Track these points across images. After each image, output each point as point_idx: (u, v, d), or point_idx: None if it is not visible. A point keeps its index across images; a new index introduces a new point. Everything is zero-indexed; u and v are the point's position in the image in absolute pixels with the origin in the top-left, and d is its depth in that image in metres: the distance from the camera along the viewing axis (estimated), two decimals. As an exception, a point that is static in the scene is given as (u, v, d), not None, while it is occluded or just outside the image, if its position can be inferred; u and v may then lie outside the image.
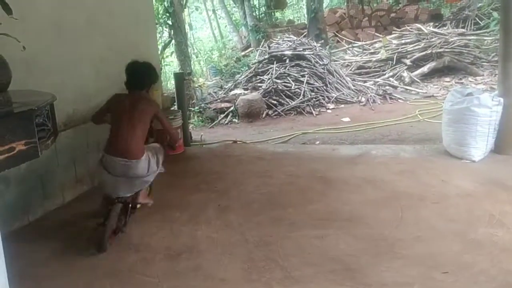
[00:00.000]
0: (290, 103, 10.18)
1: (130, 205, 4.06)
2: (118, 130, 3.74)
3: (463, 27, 14.58)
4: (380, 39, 13.93)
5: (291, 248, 3.68)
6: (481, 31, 14.12)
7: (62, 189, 4.99)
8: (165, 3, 11.41)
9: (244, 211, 4.45)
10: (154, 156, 3.98)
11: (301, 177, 5.33)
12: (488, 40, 13.19)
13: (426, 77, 12.23)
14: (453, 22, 15.11)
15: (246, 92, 10.83)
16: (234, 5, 20.45)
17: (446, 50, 12.52)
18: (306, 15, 16.92)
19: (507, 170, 5.00)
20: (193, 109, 9.87)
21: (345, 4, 16.05)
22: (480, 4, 15.05)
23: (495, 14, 13.70)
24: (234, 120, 9.92)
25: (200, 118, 9.99)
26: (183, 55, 12.08)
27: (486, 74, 11.87)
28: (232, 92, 11.06)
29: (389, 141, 7.16)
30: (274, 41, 12.63)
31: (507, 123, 5.38)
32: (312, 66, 11.07)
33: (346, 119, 9.07)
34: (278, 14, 22.38)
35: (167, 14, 11.55)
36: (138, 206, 4.34)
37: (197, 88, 10.63)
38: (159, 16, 11.39)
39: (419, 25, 13.56)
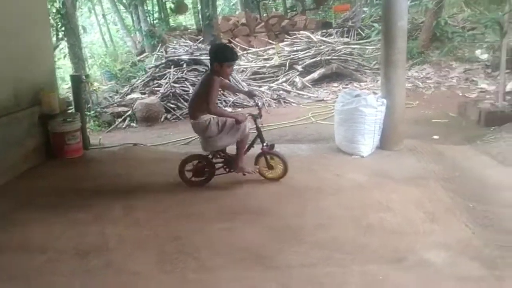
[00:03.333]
0: (188, 107, 10.23)
1: None
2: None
3: (347, 37, 15.67)
4: (273, 46, 14.49)
5: (201, 241, 3.79)
6: (363, 41, 15.30)
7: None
8: (56, 4, 10.91)
9: (151, 209, 4.47)
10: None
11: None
12: (369, 49, 14.30)
13: (316, 82, 12.92)
14: (338, 32, 16.19)
15: (143, 96, 10.72)
16: (125, 10, 20.08)
17: (334, 57, 13.32)
18: (201, 22, 17.09)
19: (391, 164, 5.53)
20: (89, 113, 9.56)
21: (240, 11, 16.51)
22: (363, 15, 16.26)
23: (376, 25, 14.92)
24: (132, 124, 9.78)
25: (97, 123, 9.72)
26: (77, 58, 11.63)
27: (369, 80, 12.85)
28: (129, 97, 10.88)
29: (286, 141, 7.50)
30: (171, 46, 12.61)
31: (389, 122, 5.94)
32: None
33: (244, 122, 9.32)
34: (171, 20, 22.34)
35: (59, 16, 11.05)
36: None
37: (92, 92, 10.29)
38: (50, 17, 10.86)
39: (308, 34, 14.34)
